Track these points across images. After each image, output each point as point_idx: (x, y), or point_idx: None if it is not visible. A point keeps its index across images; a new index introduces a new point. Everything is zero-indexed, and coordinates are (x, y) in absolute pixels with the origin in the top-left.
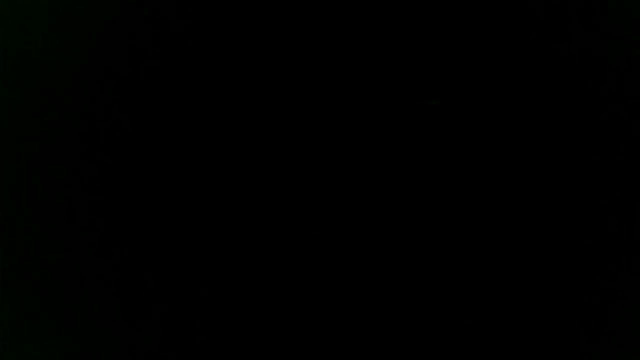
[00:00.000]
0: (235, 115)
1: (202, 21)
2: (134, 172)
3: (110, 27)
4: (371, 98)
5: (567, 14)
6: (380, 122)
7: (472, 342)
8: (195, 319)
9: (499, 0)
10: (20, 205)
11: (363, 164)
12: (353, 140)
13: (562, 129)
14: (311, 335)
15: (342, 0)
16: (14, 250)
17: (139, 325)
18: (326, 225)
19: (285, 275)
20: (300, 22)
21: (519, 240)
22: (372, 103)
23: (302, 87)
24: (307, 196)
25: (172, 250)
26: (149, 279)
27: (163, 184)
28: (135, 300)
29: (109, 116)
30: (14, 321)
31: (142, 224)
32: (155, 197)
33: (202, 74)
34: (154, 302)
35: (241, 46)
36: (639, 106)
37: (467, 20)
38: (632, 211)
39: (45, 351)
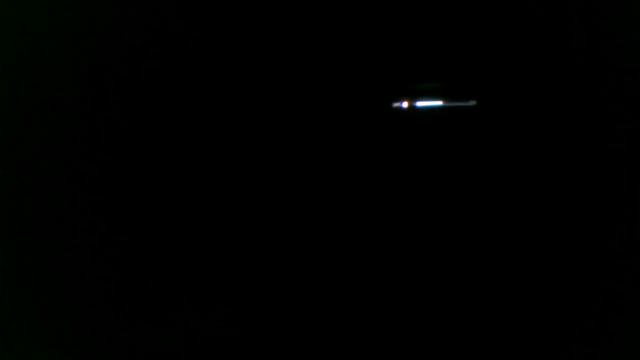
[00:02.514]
0: (233, 115)
1: (201, 21)
2: (133, 172)
3: (109, 27)
4: (371, 98)
5: (567, 14)
6: (380, 122)
7: (472, 342)
8: (195, 319)
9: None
10: (19, 205)
11: (362, 164)
12: (353, 141)
13: (562, 129)
14: (310, 335)
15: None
16: (12, 250)
17: (138, 326)
18: (325, 225)
19: (282, 276)
20: (301, 22)
21: (520, 240)
22: (372, 103)
23: (304, 87)
24: (306, 196)
25: (172, 251)
26: (148, 280)
27: (162, 184)
28: (134, 301)
29: (108, 116)
30: (11, 321)
31: (141, 225)
32: (155, 197)
33: (201, 74)
34: (153, 303)
35: (240, 46)
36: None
37: (465, 20)
38: (632, 211)
39: (43, 351)
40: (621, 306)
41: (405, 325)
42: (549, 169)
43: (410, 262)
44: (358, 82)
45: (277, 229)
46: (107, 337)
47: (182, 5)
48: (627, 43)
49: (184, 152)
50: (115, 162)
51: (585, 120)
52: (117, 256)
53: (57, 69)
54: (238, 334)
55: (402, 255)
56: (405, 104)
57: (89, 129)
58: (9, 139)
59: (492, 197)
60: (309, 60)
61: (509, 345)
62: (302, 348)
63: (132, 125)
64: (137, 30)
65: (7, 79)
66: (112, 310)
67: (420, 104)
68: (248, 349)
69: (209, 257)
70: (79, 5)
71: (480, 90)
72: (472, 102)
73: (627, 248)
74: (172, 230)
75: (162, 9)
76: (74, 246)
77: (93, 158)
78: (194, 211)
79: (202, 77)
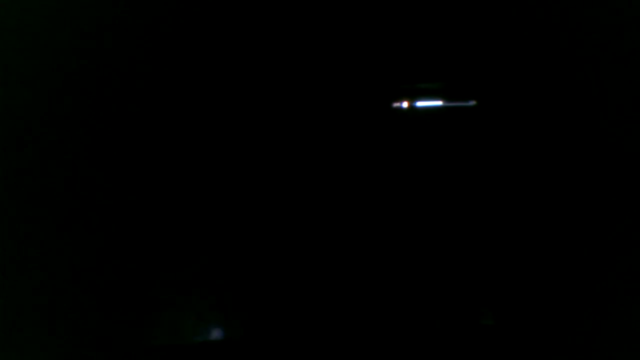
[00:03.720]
0: (234, 115)
1: (201, 21)
2: (132, 173)
3: (108, 28)
4: (371, 98)
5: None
6: (379, 122)
7: (472, 342)
8: (194, 318)
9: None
10: (19, 206)
11: (362, 164)
12: (353, 141)
13: (562, 129)
14: (310, 334)
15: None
16: (11, 250)
17: (138, 324)
18: (325, 224)
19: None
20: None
21: (519, 238)
22: (372, 103)
23: (304, 87)
24: (306, 196)
25: (171, 251)
26: (147, 279)
27: (161, 185)
28: (133, 301)
29: (107, 117)
30: (9, 322)
31: (140, 225)
32: (154, 197)
33: (201, 74)
34: (152, 302)
35: (240, 47)
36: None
37: (465, 20)
38: (632, 211)
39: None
40: (620, 306)
41: (405, 324)
42: (548, 169)
43: (410, 260)
44: (358, 82)
45: (276, 228)
46: (101, 338)
47: (182, 6)
48: (627, 43)
49: (183, 153)
50: (112, 163)
51: (585, 121)
52: (114, 257)
53: (57, 69)
54: (235, 335)
55: (401, 253)
56: (405, 104)
57: (87, 129)
58: (8, 139)
59: (491, 197)
60: (309, 60)
61: (508, 343)
62: (298, 348)
63: (131, 125)
64: (137, 31)
65: (7, 79)
66: (106, 311)
67: (420, 104)
68: (246, 348)
69: (207, 257)
70: (79, 6)
71: (480, 90)
72: (472, 102)
73: (626, 248)
74: (170, 230)
75: (162, 9)
76: (71, 247)
77: (87, 159)
78: (193, 211)
79: (202, 77)
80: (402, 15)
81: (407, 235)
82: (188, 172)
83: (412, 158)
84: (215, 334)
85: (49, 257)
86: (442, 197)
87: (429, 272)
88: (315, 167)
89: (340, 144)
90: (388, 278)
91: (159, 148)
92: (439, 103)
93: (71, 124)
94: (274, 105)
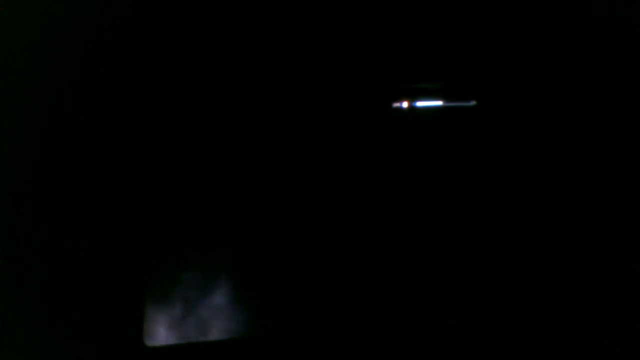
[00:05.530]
0: (234, 115)
1: (201, 21)
2: (132, 173)
3: (108, 28)
4: (370, 98)
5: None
6: (379, 122)
7: (472, 342)
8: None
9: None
10: (18, 206)
11: (362, 164)
12: (353, 140)
13: (561, 129)
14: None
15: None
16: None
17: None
18: (325, 224)
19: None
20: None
21: (518, 239)
22: (371, 103)
23: (304, 87)
24: (306, 196)
25: (170, 251)
26: (145, 279)
27: (161, 185)
28: (130, 300)
29: (107, 117)
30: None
31: (139, 225)
32: (155, 194)
33: (201, 74)
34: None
35: (240, 47)
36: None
37: (465, 20)
38: (631, 212)
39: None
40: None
41: (403, 324)
42: (548, 169)
43: (409, 260)
44: (358, 82)
45: (273, 227)
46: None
47: (183, 6)
48: (627, 43)
49: (183, 155)
50: (110, 162)
51: (584, 120)
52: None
53: (56, 69)
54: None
55: (401, 253)
56: (405, 104)
57: (86, 130)
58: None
59: (491, 197)
60: (309, 60)
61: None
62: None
63: (131, 125)
64: (137, 30)
65: (7, 78)
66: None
67: (420, 104)
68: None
69: (208, 256)
70: (79, 6)
71: (480, 90)
72: (472, 102)
73: (626, 248)
74: (170, 230)
75: (162, 9)
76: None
77: (91, 159)
78: (193, 210)
79: (203, 77)
80: (401, 15)
81: (407, 235)
82: (190, 171)
83: (412, 158)
84: (217, 333)
85: (47, 256)
86: (442, 197)
87: (431, 271)
88: (315, 167)
89: (339, 144)
90: (386, 277)
91: (159, 148)
92: (439, 103)
93: (69, 120)
94: (273, 104)
